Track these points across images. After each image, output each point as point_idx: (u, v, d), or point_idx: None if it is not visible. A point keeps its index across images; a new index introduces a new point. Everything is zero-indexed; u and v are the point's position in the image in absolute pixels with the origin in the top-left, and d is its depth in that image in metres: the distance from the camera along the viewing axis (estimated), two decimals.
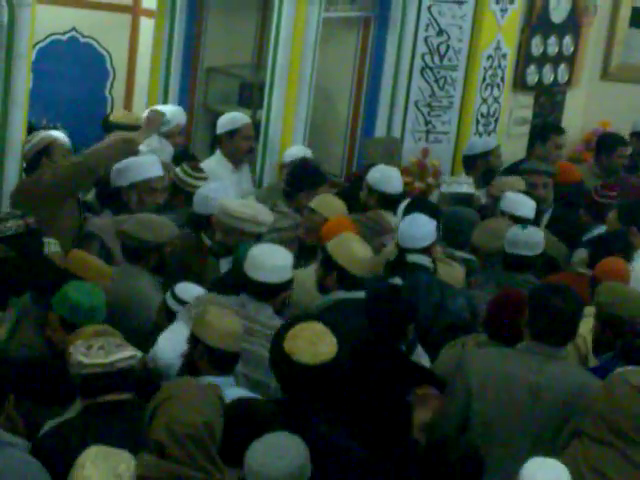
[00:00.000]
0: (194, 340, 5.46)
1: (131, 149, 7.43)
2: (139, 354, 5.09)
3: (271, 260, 5.95)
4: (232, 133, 8.51)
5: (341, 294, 6.35)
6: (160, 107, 8.69)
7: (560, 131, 10.12)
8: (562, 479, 4.51)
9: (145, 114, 8.23)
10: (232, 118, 8.65)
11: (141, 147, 7.65)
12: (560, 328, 5.48)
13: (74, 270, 6.06)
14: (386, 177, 7.97)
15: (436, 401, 5.45)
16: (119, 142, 7.46)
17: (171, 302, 6.00)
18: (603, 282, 6.36)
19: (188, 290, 6.03)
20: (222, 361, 5.38)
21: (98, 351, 4.94)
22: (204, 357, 5.42)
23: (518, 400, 5.42)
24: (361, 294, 6.23)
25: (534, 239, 7.02)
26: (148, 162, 7.45)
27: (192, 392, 4.61)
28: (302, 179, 8.03)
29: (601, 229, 8.15)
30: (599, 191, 8.48)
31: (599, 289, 6.26)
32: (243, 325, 5.55)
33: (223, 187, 7.36)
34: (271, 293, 5.94)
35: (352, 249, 6.40)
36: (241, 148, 8.50)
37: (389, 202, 7.81)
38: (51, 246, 6.50)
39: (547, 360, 5.46)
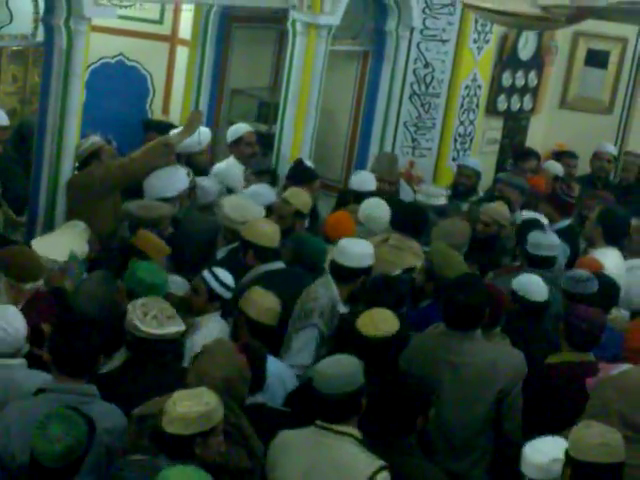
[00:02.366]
0: (239, 313, 5.48)
1: (171, 150, 7.36)
2: (184, 327, 5.09)
3: (355, 248, 6.06)
4: (237, 141, 8.47)
5: (263, 267, 6.34)
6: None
7: (528, 154, 9.96)
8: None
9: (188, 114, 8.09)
10: (236, 129, 8.59)
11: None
12: (466, 318, 5.39)
13: (139, 245, 6.04)
14: (361, 179, 8.10)
15: None
16: (160, 145, 7.40)
17: (215, 285, 5.87)
18: (434, 246, 6.50)
19: (227, 275, 5.94)
20: (260, 332, 5.34)
21: (152, 320, 4.94)
22: (244, 327, 5.41)
23: (442, 378, 5.33)
24: (279, 264, 6.32)
25: (554, 242, 7.06)
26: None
27: (220, 351, 4.68)
28: (298, 175, 7.99)
29: (564, 223, 8.20)
30: (564, 190, 8.47)
31: (431, 249, 6.42)
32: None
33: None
34: (351, 276, 6.01)
35: (259, 228, 6.43)
36: (245, 153, 8.42)
37: (361, 198, 7.76)
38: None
39: (462, 342, 5.39)
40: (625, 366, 5.36)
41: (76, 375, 4.57)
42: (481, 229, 7.77)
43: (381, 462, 4.35)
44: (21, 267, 5.64)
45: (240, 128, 8.58)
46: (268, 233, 6.44)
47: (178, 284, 5.99)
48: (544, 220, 7.96)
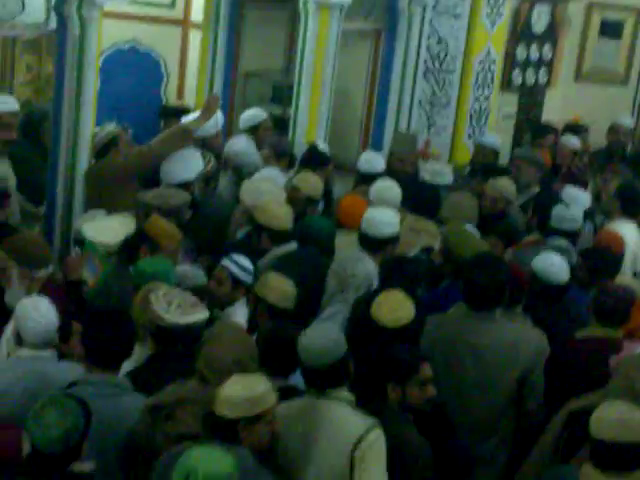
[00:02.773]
0: (256, 299, 5.48)
1: (190, 135, 7.33)
2: (208, 314, 5.06)
3: (382, 218, 6.24)
4: (255, 127, 8.43)
5: (278, 250, 6.37)
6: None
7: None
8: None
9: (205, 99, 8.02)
10: (253, 116, 8.54)
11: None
12: (486, 298, 5.38)
13: (150, 232, 5.99)
14: (368, 160, 8.05)
15: None
16: (179, 130, 7.38)
17: (238, 272, 5.87)
18: (451, 226, 6.48)
19: (246, 260, 5.94)
20: (279, 316, 5.41)
21: (177, 309, 4.93)
22: (264, 314, 5.43)
23: (464, 360, 5.33)
24: (293, 245, 6.37)
25: (577, 215, 7.11)
26: None
27: (228, 334, 4.67)
28: (311, 160, 7.94)
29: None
30: (578, 166, 8.48)
31: (448, 229, 6.39)
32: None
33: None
34: (381, 245, 6.21)
35: (272, 210, 6.44)
36: (264, 139, 8.38)
37: (370, 180, 7.71)
38: None
39: (483, 323, 5.37)
40: None
41: (109, 367, 4.60)
42: (488, 205, 7.66)
43: (373, 420, 4.45)
44: (32, 254, 5.70)
45: (257, 115, 8.55)
46: (281, 215, 6.47)
47: (196, 275, 5.96)
48: None
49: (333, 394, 4.51)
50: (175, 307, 4.94)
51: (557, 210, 7.11)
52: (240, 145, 7.97)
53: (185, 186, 7.07)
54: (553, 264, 6.13)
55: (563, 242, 6.78)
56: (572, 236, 7.05)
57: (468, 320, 5.41)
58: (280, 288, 5.59)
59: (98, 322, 4.67)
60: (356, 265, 6.16)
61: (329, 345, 4.53)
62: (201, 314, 5.00)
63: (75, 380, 4.61)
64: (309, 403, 4.53)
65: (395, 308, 5.19)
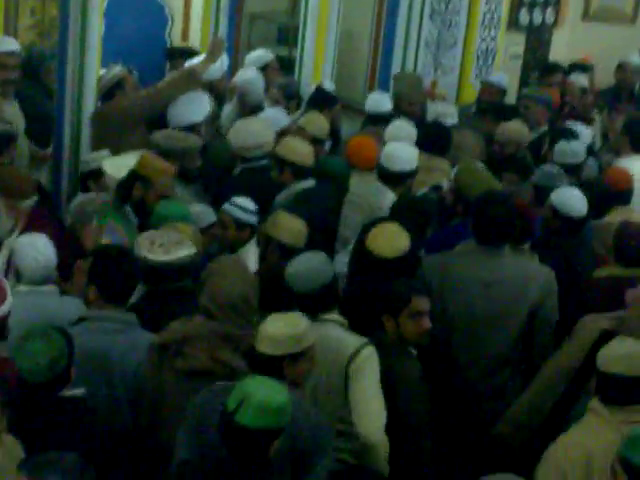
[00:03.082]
0: (267, 239, 5.57)
1: (196, 78, 7.29)
2: (194, 250, 5.04)
3: (402, 153, 6.47)
4: (263, 68, 8.39)
5: (299, 185, 6.42)
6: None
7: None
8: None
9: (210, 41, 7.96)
10: (259, 56, 8.50)
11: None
12: (496, 232, 5.37)
13: (141, 171, 5.89)
14: (375, 101, 8.06)
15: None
16: (185, 73, 7.33)
17: (240, 214, 5.85)
18: (462, 165, 6.42)
19: (247, 201, 5.92)
20: (291, 255, 5.38)
21: (158, 248, 4.94)
22: (275, 252, 5.50)
23: (474, 295, 5.33)
24: (312, 181, 6.43)
25: (577, 149, 7.19)
26: None
27: (230, 268, 4.68)
28: (318, 101, 7.92)
29: None
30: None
31: (460, 167, 6.34)
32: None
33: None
34: (400, 179, 6.42)
35: (297, 146, 6.49)
36: (273, 79, 8.34)
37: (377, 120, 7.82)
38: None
39: (492, 259, 5.38)
40: None
41: (119, 302, 4.65)
42: (498, 149, 7.60)
43: (365, 339, 4.67)
44: (15, 185, 5.76)
45: (264, 56, 8.51)
46: (305, 151, 6.51)
47: (205, 213, 5.97)
48: None
49: (325, 317, 4.70)
50: (157, 246, 4.94)
51: (559, 145, 7.23)
52: (250, 74, 7.94)
53: (193, 129, 7.04)
54: (573, 197, 6.12)
55: (554, 167, 6.78)
56: (574, 170, 7.08)
57: (477, 255, 5.41)
58: (290, 226, 5.60)
59: (106, 258, 4.72)
60: (382, 197, 6.35)
61: (316, 270, 4.76)
62: (185, 250, 4.97)
63: (83, 315, 4.65)
64: None
65: (390, 239, 5.22)
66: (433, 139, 7.23)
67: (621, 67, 10.14)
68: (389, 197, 6.40)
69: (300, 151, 6.52)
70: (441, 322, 5.23)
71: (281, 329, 4.17)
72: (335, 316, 4.78)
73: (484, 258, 5.40)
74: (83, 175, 6.74)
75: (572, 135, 7.64)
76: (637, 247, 5.60)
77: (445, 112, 8.18)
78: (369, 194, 6.49)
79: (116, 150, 6.65)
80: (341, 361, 4.60)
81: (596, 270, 5.79)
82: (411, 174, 6.55)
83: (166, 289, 4.94)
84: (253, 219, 5.88)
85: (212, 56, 7.45)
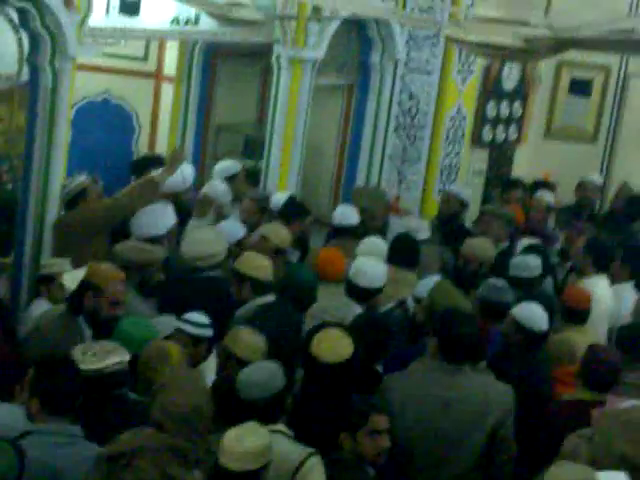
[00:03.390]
0: (226, 354, 5.56)
1: (155, 189, 7.30)
2: (127, 357, 4.99)
3: (371, 269, 6.51)
4: (231, 178, 8.46)
5: (257, 300, 6.38)
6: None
7: (514, 185, 9.99)
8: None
9: (169, 153, 8.03)
10: (229, 166, 8.59)
11: None
12: (466, 350, 5.38)
13: (92, 279, 5.85)
14: (342, 214, 8.08)
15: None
16: (144, 183, 7.35)
17: (193, 330, 5.75)
18: (437, 285, 6.37)
19: (200, 315, 5.85)
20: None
21: (91, 357, 4.90)
22: (235, 366, 5.44)
23: (434, 414, 5.28)
24: (272, 297, 6.38)
25: (530, 263, 7.30)
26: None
27: (183, 381, 4.66)
28: (290, 212, 7.97)
29: None
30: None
31: (434, 288, 6.31)
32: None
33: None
34: (367, 295, 6.46)
35: (257, 261, 6.47)
36: (240, 190, 8.41)
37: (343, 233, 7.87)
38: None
39: (454, 376, 5.36)
40: (634, 402, 5.27)
41: (62, 414, 4.55)
42: (461, 265, 7.67)
43: (310, 449, 4.66)
44: None
45: (233, 166, 8.59)
46: (265, 266, 6.48)
47: (165, 324, 5.91)
48: None
49: (271, 427, 4.64)
50: (90, 355, 4.90)
51: (515, 258, 7.41)
52: (222, 187, 8.04)
53: (156, 240, 7.03)
54: (535, 312, 6.18)
55: (500, 281, 6.78)
56: (527, 285, 7.12)
57: (437, 373, 5.39)
58: (250, 342, 5.55)
59: (47, 370, 4.62)
60: (347, 311, 6.32)
61: (266, 379, 4.77)
62: (118, 357, 4.93)
63: (28, 429, 4.56)
64: None
65: (333, 344, 5.20)
66: (403, 252, 7.27)
67: (581, 185, 10.27)
68: (354, 310, 6.39)
69: (261, 266, 6.49)
70: (400, 441, 5.17)
71: (254, 443, 4.21)
72: (280, 427, 4.76)
73: (444, 376, 5.37)
74: (37, 279, 6.70)
75: (538, 251, 7.71)
76: (606, 373, 5.60)
77: (417, 227, 8.22)
78: (333, 308, 6.48)
79: (77, 259, 6.63)
80: (286, 474, 4.58)
81: (562, 394, 5.80)
82: (379, 290, 6.57)
83: (103, 398, 4.88)
84: (209, 333, 5.83)
85: (171, 167, 7.45)
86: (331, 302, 6.56)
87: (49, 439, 4.47)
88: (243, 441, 4.19)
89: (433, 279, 6.51)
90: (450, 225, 8.78)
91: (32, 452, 4.29)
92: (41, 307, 6.51)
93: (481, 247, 7.73)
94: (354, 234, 7.81)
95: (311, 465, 4.61)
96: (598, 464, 4.44)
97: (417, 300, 6.47)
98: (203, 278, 6.67)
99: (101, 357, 4.90)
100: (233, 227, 7.49)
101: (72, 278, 6.10)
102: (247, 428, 4.30)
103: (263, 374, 4.82)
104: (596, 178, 10.51)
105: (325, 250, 7.46)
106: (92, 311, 5.77)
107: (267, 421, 4.66)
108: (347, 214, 8.12)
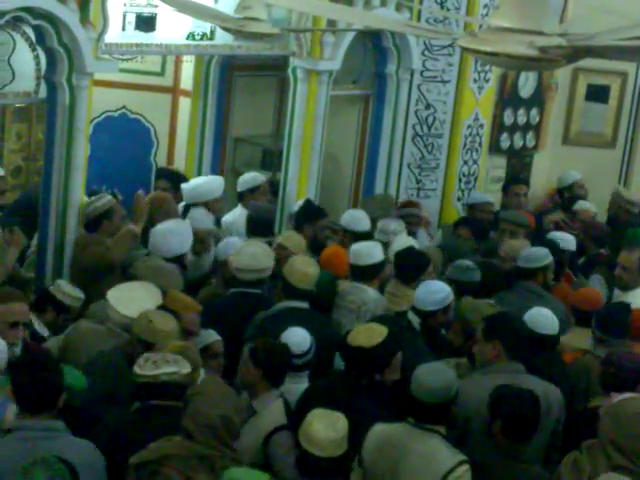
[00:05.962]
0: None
1: (134, 237, 7.22)
2: (184, 370, 4.98)
3: (366, 249, 6.98)
4: (253, 190, 8.52)
5: (284, 303, 6.42)
6: (202, 179, 8.63)
7: (518, 181, 10.19)
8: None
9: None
10: (253, 177, 8.68)
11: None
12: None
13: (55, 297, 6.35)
14: (354, 218, 8.07)
15: None
16: (127, 234, 7.20)
17: None
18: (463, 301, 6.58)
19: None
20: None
21: (150, 365, 4.92)
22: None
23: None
24: (303, 304, 6.39)
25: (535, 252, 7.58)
26: None
27: (214, 390, 4.70)
28: (308, 214, 8.12)
29: None
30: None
31: (461, 304, 6.54)
32: None
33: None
34: (371, 273, 6.88)
35: (295, 265, 6.47)
36: (261, 202, 8.47)
37: (358, 238, 7.70)
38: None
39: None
40: (626, 395, 5.30)
41: (39, 411, 4.56)
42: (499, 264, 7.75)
43: (462, 456, 4.74)
44: None
45: (257, 177, 8.69)
46: (303, 273, 6.42)
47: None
48: None
49: (431, 427, 4.81)
50: (150, 363, 4.93)
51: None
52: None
53: (178, 259, 7.04)
54: (544, 316, 6.35)
55: (466, 262, 7.14)
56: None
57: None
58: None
59: (20, 371, 4.65)
60: (358, 294, 6.74)
61: (443, 388, 4.85)
62: (173, 367, 4.92)
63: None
64: (407, 430, 4.83)
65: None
66: (404, 268, 7.06)
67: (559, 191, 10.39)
68: (366, 291, 6.78)
69: (296, 271, 6.45)
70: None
71: (342, 430, 4.65)
72: (441, 429, 4.83)
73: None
74: (43, 293, 6.73)
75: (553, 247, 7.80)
76: (628, 376, 5.56)
77: (396, 230, 8.06)
78: (344, 294, 6.88)
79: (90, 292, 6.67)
80: (434, 475, 4.67)
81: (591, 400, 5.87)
82: (381, 265, 6.93)
83: (153, 407, 4.90)
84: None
85: (139, 214, 7.38)
86: (344, 290, 6.89)
87: (27, 435, 4.49)
88: (331, 429, 4.60)
89: (429, 287, 6.47)
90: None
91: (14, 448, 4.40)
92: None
93: (517, 249, 7.81)
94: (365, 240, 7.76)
95: (461, 473, 4.69)
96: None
97: (417, 311, 6.40)
98: (241, 293, 6.67)
99: (158, 365, 4.93)
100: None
101: (119, 300, 6.05)
102: (326, 415, 4.69)
103: (441, 381, 4.87)
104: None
105: (329, 249, 7.58)
106: None
107: (430, 423, 4.80)
108: (356, 218, 8.11)
